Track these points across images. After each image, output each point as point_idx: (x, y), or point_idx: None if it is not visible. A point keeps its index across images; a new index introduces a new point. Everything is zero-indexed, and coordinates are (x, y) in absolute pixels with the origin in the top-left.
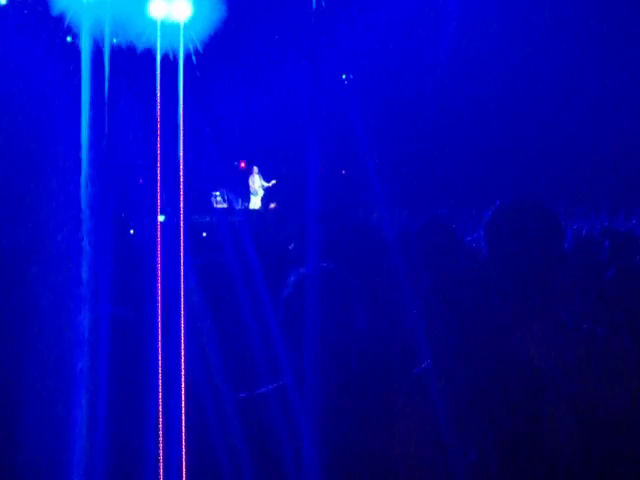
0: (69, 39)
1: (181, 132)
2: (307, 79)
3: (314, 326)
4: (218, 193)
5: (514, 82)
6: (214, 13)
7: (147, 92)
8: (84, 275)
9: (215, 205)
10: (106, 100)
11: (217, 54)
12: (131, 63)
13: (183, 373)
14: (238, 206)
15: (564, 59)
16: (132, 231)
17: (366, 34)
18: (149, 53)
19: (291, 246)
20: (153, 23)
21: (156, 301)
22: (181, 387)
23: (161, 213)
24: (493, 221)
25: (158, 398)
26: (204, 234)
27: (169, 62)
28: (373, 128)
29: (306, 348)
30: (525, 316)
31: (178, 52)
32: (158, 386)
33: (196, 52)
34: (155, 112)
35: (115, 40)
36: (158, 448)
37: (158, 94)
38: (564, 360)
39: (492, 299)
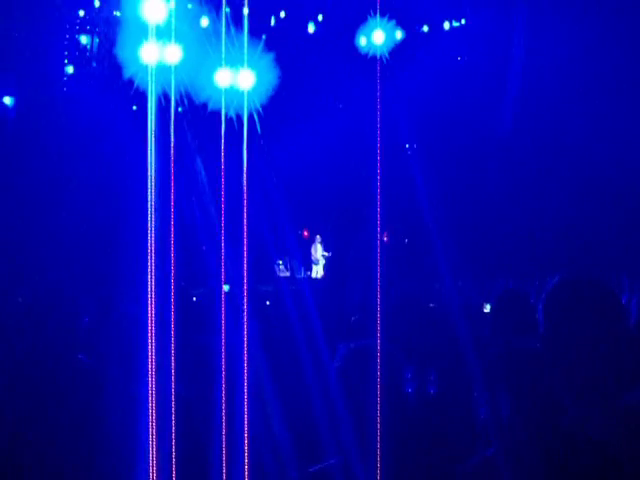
0: (135, 107)
1: (245, 199)
2: (370, 145)
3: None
4: (281, 261)
5: (584, 146)
6: (275, 79)
7: (211, 158)
8: (149, 348)
9: (278, 273)
10: (172, 165)
11: (280, 118)
12: (197, 129)
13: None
14: (300, 275)
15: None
16: (195, 298)
17: (428, 97)
18: (214, 118)
19: (353, 318)
20: (219, 90)
21: (220, 381)
22: (244, 460)
23: (226, 282)
24: (551, 298)
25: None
26: (267, 302)
27: (233, 129)
28: (436, 196)
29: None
30: (586, 397)
31: (242, 117)
32: (222, 461)
33: (260, 116)
34: (219, 179)
35: (180, 109)
36: None
37: (222, 162)
38: (626, 446)
39: (549, 379)
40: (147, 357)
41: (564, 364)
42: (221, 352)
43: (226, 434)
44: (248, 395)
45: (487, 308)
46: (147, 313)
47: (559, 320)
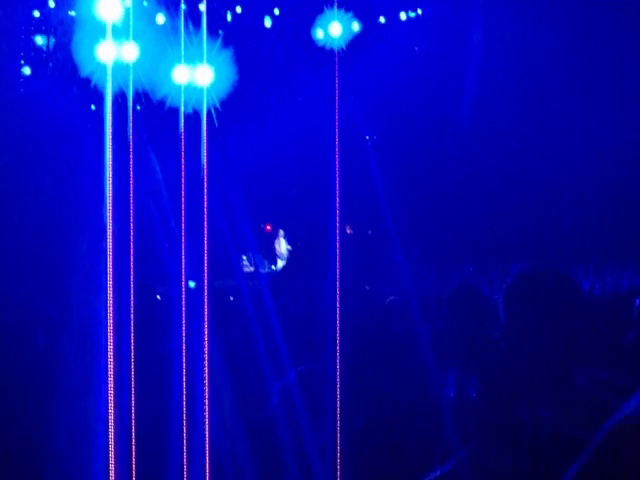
0: (93, 107)
1: (205, 194)
2: (328, 136)
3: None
4: (244, 257)
5: (540, 137)
6: (233, 74)
7: (170, 154)
8: (109, 346)
9: (242, 268)
10: (130, 163)
11: (239, 113)
12: (155, 126)
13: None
14: (264, 269)
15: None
16: (159, 297)
17: (387, 88)
18: (173, 114)
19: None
20: (177, 87)
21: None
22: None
23: (190, 279)
24: (511, 288)
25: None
26: (231, 298)
27: (191, 123)
28: (395, 186)
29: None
30: (544, 383)
31: (200, 113)
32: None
33: (217, 111)
34: (179, 175)
35: (139, 107)
36: None
37: (182, 159)
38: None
39: (509, 366)
40: (106, 364)
41: (524, 354)
42: (182, 357)
43: (187, 444)
44: (208, 402)
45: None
46: (105, 315)
47: (519, 310)
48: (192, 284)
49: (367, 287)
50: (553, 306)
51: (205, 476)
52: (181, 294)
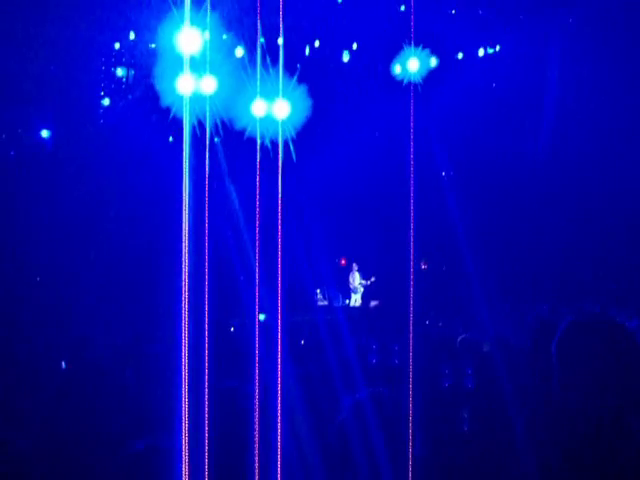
0: (171, 139)
1: (280, 225)
2: (404, 170)
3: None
4: (319, 290)
5: (618, 175)
6: (310, 108)
7: (247, 186)
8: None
9: (317, 302)
10: (206, 195)
11: (316, 146)
12: (232, 157)
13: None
14: (338, 303)
15: None
16: (232, 328)
17: (464, 123)
18: (250, 146)
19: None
20: (254, 119)
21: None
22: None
23: (261, 312)
24: (563, 341)
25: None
26: (302, 340)
27: (269, 157)
28: (471, 222)
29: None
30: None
31: (277, 145)
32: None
33: (294, 143)
34: (255, 206)
35: (217, 139)
36: None
37: (258, 190)
38: None
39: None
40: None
41: (579, 407)
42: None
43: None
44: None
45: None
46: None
47: (573, 362)
48: (262, 317)
49: (440, 324)
50: (605, 357)
51: None
52: (254, 327)
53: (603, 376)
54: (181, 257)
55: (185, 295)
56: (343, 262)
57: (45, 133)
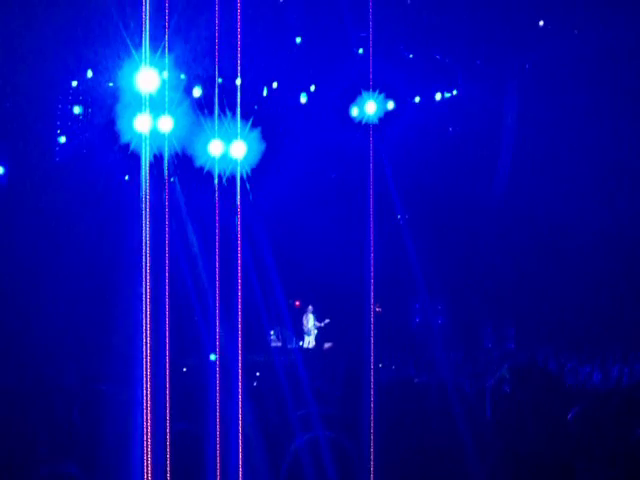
0: (126, 177)
1: (239, 268)
2: (362, 214)
3: None
4: (273, 332)
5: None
6: (267, 148)
7: (204, 226)
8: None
9: (270, 343)
10: (166, 236)
11: (273, 187)
12: (190, 197)
13: None
14: (291, 345)
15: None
16: (185, 369)
17: (420, 166)
18: (207, 183)
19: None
20: (212, 159)
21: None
22: None
23: (212, 352)
24: (494, 387)
25: None
26: (257, 374)
27: (227, 198)
28: (428, 264)
29: None
30: None
31: (235, 185)
32: None
33: (252, 186)
34: (213, 247)
35: (173, 179)
36: None
37: (217, 230)
38: None
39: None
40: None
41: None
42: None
43: None
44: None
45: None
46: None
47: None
48: (213, 357)
49: (393, 367)
50: (533, 403)
51: None
52: (209, 367)
53: (534, 421)
54: (140, 295)
55: (146, 335)
56: (297, 304)
57: (0, 170)
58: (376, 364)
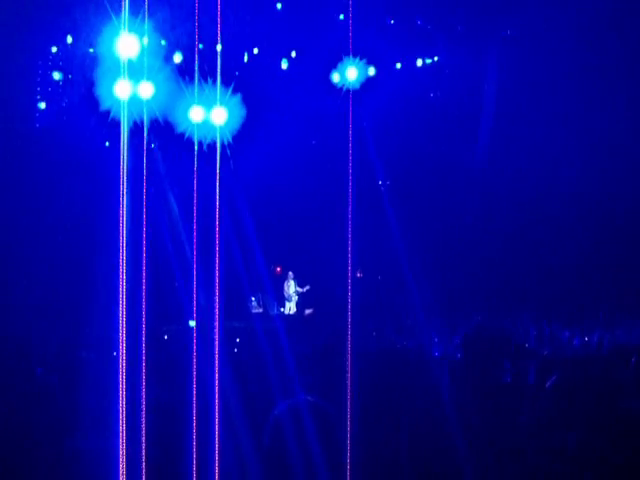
0: (107, 143)
1: (218, 235)
2: (343, 180)
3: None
4: (254, 298)
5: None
6: (249, 116)
7: (184, 192)
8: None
9: (251, 310)
10: (144, 201)
11: (253, 153)
12: (169, 162)
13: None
14: (273, 311)
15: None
16: (166, 336)
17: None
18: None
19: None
20: (191, 125)
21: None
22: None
23: (192, 319)
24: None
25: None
26: (237, 340)
27: (206, 163)
28: (407, 232)
29: None
30: None
31: (215, 151)
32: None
33: (232, 149)
34: (192, 213)
35: (153, 145)
36: None
37: (195, 195)
38: None
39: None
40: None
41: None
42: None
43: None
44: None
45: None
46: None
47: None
48: (192, 323)
49: (374, 333)
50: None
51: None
52: (189, 334)
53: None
54: (118, 262)
55: (122, 301)
56: (278, 270)
57: None
58: (355, 330)
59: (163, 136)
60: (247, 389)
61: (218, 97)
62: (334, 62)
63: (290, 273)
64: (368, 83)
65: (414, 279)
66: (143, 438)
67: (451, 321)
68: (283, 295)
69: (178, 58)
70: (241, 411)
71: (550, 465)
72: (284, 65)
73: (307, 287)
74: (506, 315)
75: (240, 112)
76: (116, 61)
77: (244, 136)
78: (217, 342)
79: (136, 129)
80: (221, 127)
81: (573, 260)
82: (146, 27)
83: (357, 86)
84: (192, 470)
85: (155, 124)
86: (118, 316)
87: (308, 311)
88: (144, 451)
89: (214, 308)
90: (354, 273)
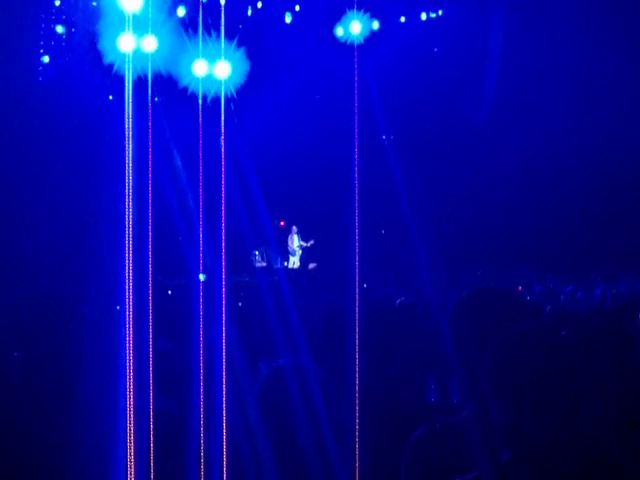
0: (110, 97)
1: (223, 187)
2: (347, 135)
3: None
4: (257, 252)
5: (562, 137)
6: (251, 69)
7: (189, 149)
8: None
9: (254, 264)
10: (150, 156)
11: (258, 109)
12: (174, 118)
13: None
14: (277, 265)
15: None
16: (170, 292)
17: (405, 87)
18: (191, 106)
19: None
20: (196, 79)
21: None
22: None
23: (202, 272)
24: (457, 309)
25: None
26: (242, 294)
27: (210, 118)
28: (410, 187)
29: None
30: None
31: (219, 106)
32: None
33: (236, 105)
34: (197, 169)
35: (157, 99)
36: None
37: (200, 151)
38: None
39: None
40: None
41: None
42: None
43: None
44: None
45: None
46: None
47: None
48: (202, 277)
49: (365, 285)
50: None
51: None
52: (194, 289)
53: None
54: (123, 219)
55: (129, 255)
56: (282, 224)
57: None
58: (361, 284)
59: (167, 90)
60: (251, 342)
61: (222, 51)
62: (338, 16)
63: (294, 227)
64: (372, 37)
65: (417, 234)
66: (151, 392)
67: (454, 275)
68: (287, 249)
69: (182, 11)
70: (245, 365)
71: (569, 423)
72: (288, 19)
73: (311, 242)
74: (510, 270)
75: (244, 66)
76: (120, 14)
77: (248, 90)
78: (224, 295)
79: (140, 83)
80: (225, 81)
81: (576, 216)
82: None
83: (361, 40)
84: (199, 418)
85: (159, 78)
86: (122, 270)
87: (312, 265)
88: (151, 404)
89: (220, 262)
90: (358, 228)
